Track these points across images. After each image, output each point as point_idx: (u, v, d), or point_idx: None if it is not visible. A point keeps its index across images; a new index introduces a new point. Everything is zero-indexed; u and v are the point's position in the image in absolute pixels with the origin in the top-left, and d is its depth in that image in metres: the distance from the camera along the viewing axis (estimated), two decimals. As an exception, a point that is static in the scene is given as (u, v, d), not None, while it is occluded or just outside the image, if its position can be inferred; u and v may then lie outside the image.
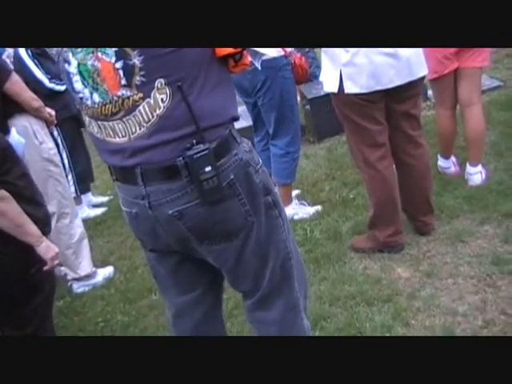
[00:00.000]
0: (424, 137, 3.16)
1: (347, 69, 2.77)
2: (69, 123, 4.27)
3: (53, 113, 3.46)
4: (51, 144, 3.43)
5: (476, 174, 3.57)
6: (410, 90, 2.87)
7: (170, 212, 1.58)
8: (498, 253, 2.92)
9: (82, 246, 3.51)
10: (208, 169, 1.51)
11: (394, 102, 2.90)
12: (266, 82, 3.41)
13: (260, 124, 3.81)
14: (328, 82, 2.91)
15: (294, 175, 3.74)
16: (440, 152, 3.77)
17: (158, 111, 1.48)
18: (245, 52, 1.61)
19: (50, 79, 3.98)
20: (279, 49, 3.24)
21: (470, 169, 3.60)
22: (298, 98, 6.34)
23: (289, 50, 3.39)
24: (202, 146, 1.51)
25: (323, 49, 2.90)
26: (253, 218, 1.64)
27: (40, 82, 3.91)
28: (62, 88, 3.97)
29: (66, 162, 4.26)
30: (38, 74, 3.92)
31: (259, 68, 2.42)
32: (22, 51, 3.84)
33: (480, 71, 3.49)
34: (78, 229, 3.51)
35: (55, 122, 3.53)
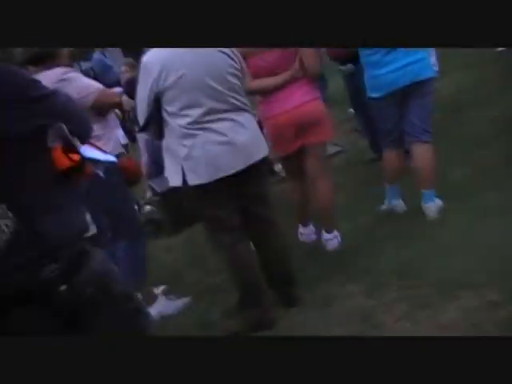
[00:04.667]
0: (276, 212, 3.40)
1: (187, 162, 2.97)
2: None
3: None
4: None
5: (332, 240, 3.89)
6: (253, 172, 3.10)
7: None
8: (365, 308, 3.14)
9: None
10: (63, 287, 1.57)
11: (241, 186, 3.11)
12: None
13: None
14: (172, 177, 3.09)
15: (144, 273, 3.73)
16: (298, 220, 4.06)
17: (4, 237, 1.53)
18: (85, 162, 1.74)
19: None
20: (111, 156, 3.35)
21: (325, 235, 3.91)
22: (149, 194, 6.55)
23: (109, 156, 3.43)
24: (53, 266, 1.56)
25: (164, 146, 3.10)
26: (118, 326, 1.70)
27: None
28: None
29: None
30: None
31: (102, 176, 2.55)
32: None
33: (323, 145, 3.83)
34: None
35: None
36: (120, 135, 5.70)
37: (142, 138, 6.44)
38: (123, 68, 6.80)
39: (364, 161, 5.38)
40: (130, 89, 5.70)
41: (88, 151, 2.31)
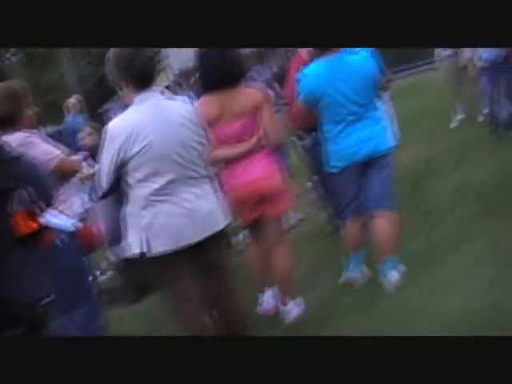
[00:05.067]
0: (236, 281, 3.38)
1: (148, 231, 2.94)
2: None
3: None
4: None
5: (291, 310, 3.85)
6: (214, 242, 3.10)
7: None
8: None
9: None
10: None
11: (201, 256, 3.09)
12: None
13: None
14: (131, 246, 3.04)
15: None
16: (259, 289, 4.03)
17: None
18: (48, 228, 1.73)
19: None
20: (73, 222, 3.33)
21: (283, 307, 3.88)
22: (107, 262, 6.46)
23: (71, 222, 3.44)
24: (12, 331, 1.55)
25: (125, 214, 3.07)
26: None
27: None
28: None
29: None
30: None
31: (63, 243, 2.52)
32: None
33: (282, 216, 3.87)
34: None
35: None
36: (80, 201, 5.67)
37: (99, 205, 6.42)
38: (87, 130, 6.81)
39: (324, 232, 5.42)
40: (93, 152, 5.76)
41: (51, 217, 2.30)
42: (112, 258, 5.74)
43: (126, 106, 3.12)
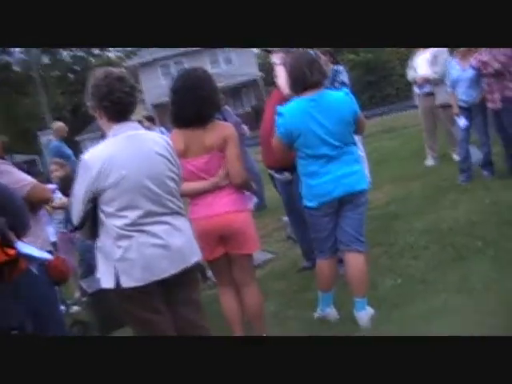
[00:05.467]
0: (207, 318, 3.35)
1: (121, 264, 2.93)
2: None
3: None
4: None
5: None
6: (186, 276, 3.10)
7: None
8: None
9: None
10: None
11: (172, 290, 3.09)
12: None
13: None
14: (104, 278, 3.02)
15: None
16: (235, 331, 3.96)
17: None
18: (20, 258, 1.73)
19: None
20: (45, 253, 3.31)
21: None
22: (78, 294, 6.41)
23: (43, 253, 3.40)
24: None
25: (97, 246, 3.07)
26: None
27: None
28: None
29: None
30: None
31: (36, 273, 2.50)
32: None
33: (249, 256, 3.86)
34: None
35: None
36: (49, 232, 5.65)
37: (63, 238, 6.39)
38: (52, 167, 6.85)
39: (297, 268, 5.42)
40: (64, 186, 5.77)
41: (24, 247, 2.30)
42: (82, 290, 5.71)
43: (103, 136, 3.14)
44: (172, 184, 3.09)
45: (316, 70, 3.74)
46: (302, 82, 3.76)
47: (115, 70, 3.05)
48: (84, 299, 5.83)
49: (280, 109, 3.81)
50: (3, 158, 3.65)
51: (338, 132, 3.73)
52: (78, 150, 40.66)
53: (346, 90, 3.94)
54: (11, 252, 1.66)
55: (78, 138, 38.62)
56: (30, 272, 2.94)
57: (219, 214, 3.64)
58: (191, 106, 3.59)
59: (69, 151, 9.08)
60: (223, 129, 3.68)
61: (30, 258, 1.87)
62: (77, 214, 3.00)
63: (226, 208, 3.66)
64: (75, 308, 6.34)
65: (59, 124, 9.35)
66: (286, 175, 4.73)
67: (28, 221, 2.51)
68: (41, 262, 3.04)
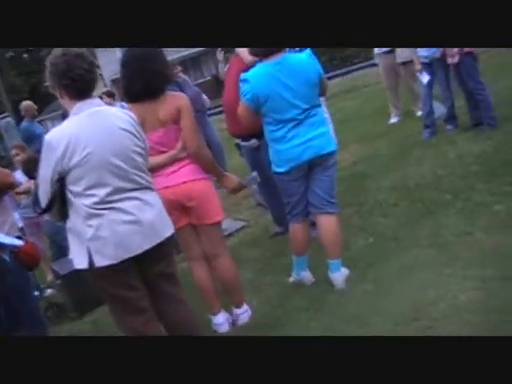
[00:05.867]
0: (184, 290, 3.33)
1: (93, 243, 2.88)
2: None
3: None
4: None
5: (243, 314, 3.90)
6: (160, 251, 3.06)
7: None
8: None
9: None
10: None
11: (148, 266, 3.06)
12: None
13: None
14: (77, 259, 2.97)
15: None
16: (208, 310, 3.95)
17: None
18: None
19: None
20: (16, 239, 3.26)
21: (236, 311, 3.91)
22: (50, 277, 6.35)
23: (14, 240, 3.36)
24: None
25: (68, 227, 3.01)
26: None
27: None
28: None
29: None
30: None
31: (7, 260, 2.45)
32: None
33: (215, 226, 3.79)
34: None
35: None
36: (17, 218, 5.56)
37: (30, 223, 6.30)
38: (13, 151, 6.75)
39: (270, 235, 5.44)
40: (27, 169, 5.67)
41: (-5, 234, 2.23)
42: (56, 273, 5.67)
43: (64, 115, 3.07)
44: (139, 159, 3.04)
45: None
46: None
47: (66, 50, 2.95)
48: (57, 282, 5.80)
49: (245, 75, 3.76)
50: None
51: (305, 94, 3.70)
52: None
53: (308, 51, 3.89)
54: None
55: (38, 119, 37.98)
56: (5, 258, 2.90)
57: (177, 184, 3.60)
58: (139, 80, 3.53)
59: (40, 130, 8.86)
60: (175, 100, 3.61)
61: (1, 247, 1.82)
62: (44, 196, 2.94)
63: (183, 178, 3.62)
64: (49, 291, 6.30)
65: (28, 103, 9.05)
66: (253, 142, 4.70)
67: None
68: (11, 249, 2.99)
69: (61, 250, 6.15)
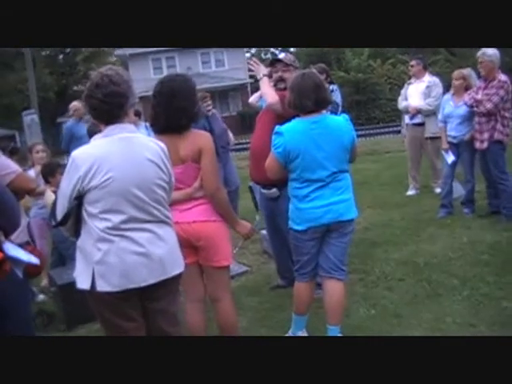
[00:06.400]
0: (182, 328, 3.28)
1: (99, 267, 2.86)
2: None
3: None
4: None
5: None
6: (165, 287, 3.02)
7: None
8: None
9: None
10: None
11: (150, 300, 3.03)
12: None
13: None
14: (80, 278, 2.95)
15: None
16: None
17: None
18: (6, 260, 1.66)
19: None
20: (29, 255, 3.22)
21: None
22: (45, 282, 6.29)
23: (27, 256, 3.30)
24: None
25: (78, 245, 2.98)
26: None
27: None
28: None
29: None
30: None
31: (21, 276, 2.39)
32: None
33: (222, 270, 3.72)
34: None
35: None
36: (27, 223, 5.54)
37: (36, 222, 6.28)
38: (36, 148, 6.76)
39: (271, 285, 5.37)
40: (44, 172, 5.68)
41: (12, 249, 2.19)
42: (52, 280, 5.61)
43: (90, 131, 3.09)
44: (160, 192, 3.02)
45: (321, 95, 3.71)
46: (307, 106, 3.71)
47: (101, 73, 2.94)
48: (52, 289, 5.73)
49: (279, 128, 3.75)
50: None
51: (336, 157, 3.70)
52: (59, 131, 40.31)
53: (345, 115, 3.90)
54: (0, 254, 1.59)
55: (59, 120, 38.29)
56: (13, 274, 2.86)
57: (187, 222, 3.58)
58: (164, 115, 3.55)
59: (84, 130, 8.90)
60: (198, 139, 3.60)
61: (16, 261, 1.79)
62: (61, 210, 2.94)
63: (194, 217, 3.60)
64: (41, 297, 6.21)
65: (77, 104, 9.13)
66: (274, 191, 4.64)
67: (19, 220, 2.41)
68: (25, 265, 2.95)
69: (61, 258, 6.12)
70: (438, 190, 8.02)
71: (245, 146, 16.58)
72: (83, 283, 2.94)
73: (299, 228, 3.78)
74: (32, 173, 6.02)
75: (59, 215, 2.96)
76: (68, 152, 5.57)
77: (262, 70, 4.70)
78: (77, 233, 2.99)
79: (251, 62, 4.81)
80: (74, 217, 2.94)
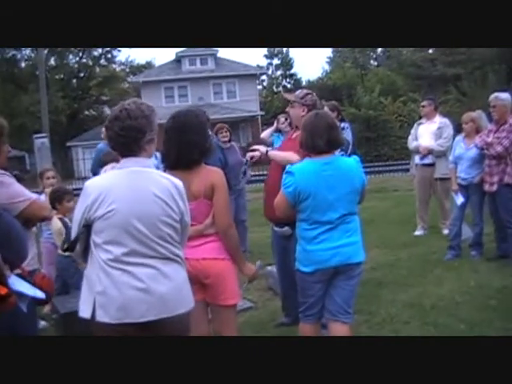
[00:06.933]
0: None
1: (100, 297, 2.85)
2: None
3: None
4: None
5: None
6: (169, 326, 2.95)
7: None
8: None
9: None
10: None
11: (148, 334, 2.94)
12: None
13: None
14: (83, 307, 2.94)
15: None
16: None
17: None
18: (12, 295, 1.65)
19: None
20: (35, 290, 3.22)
21: None
22: (48, 308, 6.24)
23: (33, 290, 3.31)
24: None
25: (85, 273, 2.98)
26: None
27: None
28: None
29: None
30: None
31: (25, 310, 2.37)
32: None
33: (229, 309, 3.69)
34: None
35: None
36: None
37: (46, 247, 6.28)
38: (48, 174, 6.81)
39: (275, 323, 5.29)
40: (50, 198, 5.70)
41: (17, 283, 2.17)
42: (54, 308, 5.56)
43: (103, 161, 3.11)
44: (166, 229, 2.96)
45: (334, 135, 3.71)
46: (319, 146, 3.71)
47: (122, 106, 2.98)
48: (54, 316, 5.69)
49: (290, 167, 3.75)
50: (5, 169, 3.54)
51: (347, 199, 3.69)
52: (68, 155, 40.49)
53: (356, 157, 3.90)
54: (3, 291, 1.56)
55: (69, 144, 38.58)
56: (19, 309, 2.84)
57: (196, 259, 3.56)
58: (174, 150, 3.57)
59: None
60: (210, 175, 3.60)
61: (21, 296, 1.77)
62: (73, 235, 2.98)
63: (204, 254, 3.60)
64: (43, 323, 6.16)
65: None
66: (286, 229, 4.59)
67: (27, 253, 2.39)
68: (30, 300, 2.93)
69: (64, 286, 6.07)
70: (445, 232, 7.96)
71: (252, 178, 16.56)
72: (85, 312, 2.93)
73: (306, 270, 3.74)
74: (43, 198, 6.04)
75: (70, 239, 3.02)
76: (95, 175, 5.58)
77: (261, 149, 4.79)
78: (84, 259, 3.02)
79: (251, 154, 4.83)
80: (84, 244, 2.97)
